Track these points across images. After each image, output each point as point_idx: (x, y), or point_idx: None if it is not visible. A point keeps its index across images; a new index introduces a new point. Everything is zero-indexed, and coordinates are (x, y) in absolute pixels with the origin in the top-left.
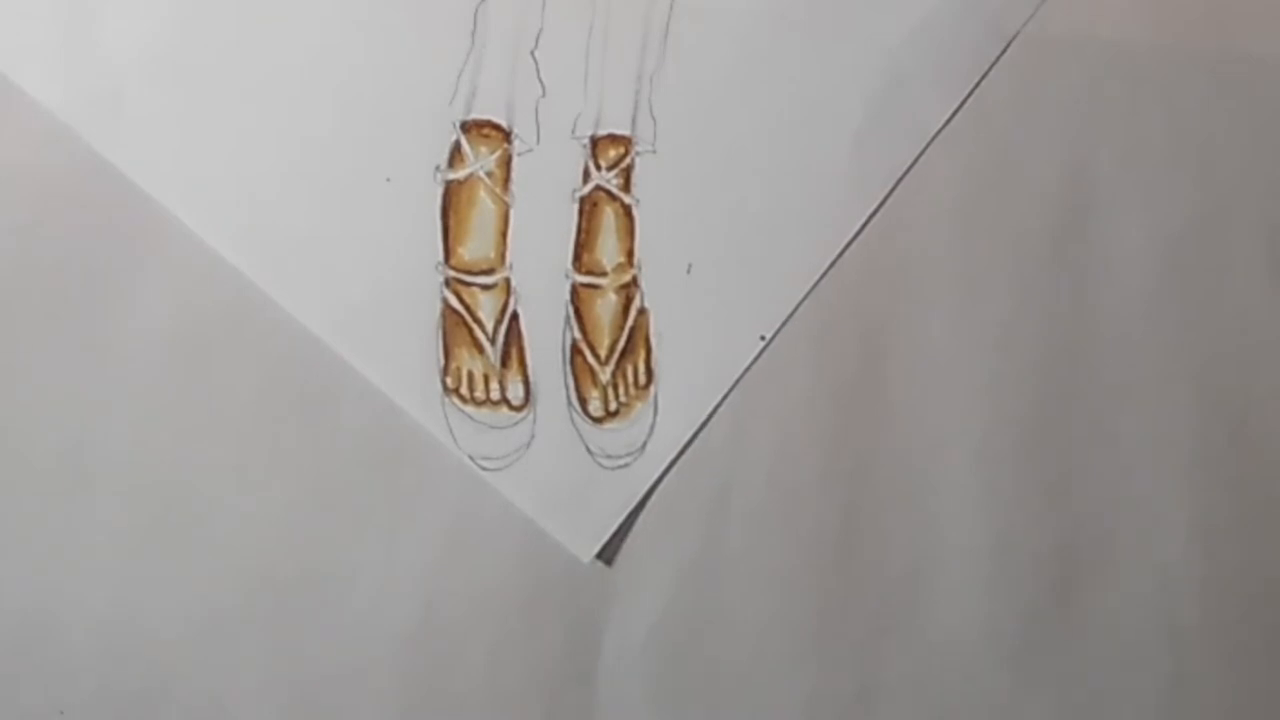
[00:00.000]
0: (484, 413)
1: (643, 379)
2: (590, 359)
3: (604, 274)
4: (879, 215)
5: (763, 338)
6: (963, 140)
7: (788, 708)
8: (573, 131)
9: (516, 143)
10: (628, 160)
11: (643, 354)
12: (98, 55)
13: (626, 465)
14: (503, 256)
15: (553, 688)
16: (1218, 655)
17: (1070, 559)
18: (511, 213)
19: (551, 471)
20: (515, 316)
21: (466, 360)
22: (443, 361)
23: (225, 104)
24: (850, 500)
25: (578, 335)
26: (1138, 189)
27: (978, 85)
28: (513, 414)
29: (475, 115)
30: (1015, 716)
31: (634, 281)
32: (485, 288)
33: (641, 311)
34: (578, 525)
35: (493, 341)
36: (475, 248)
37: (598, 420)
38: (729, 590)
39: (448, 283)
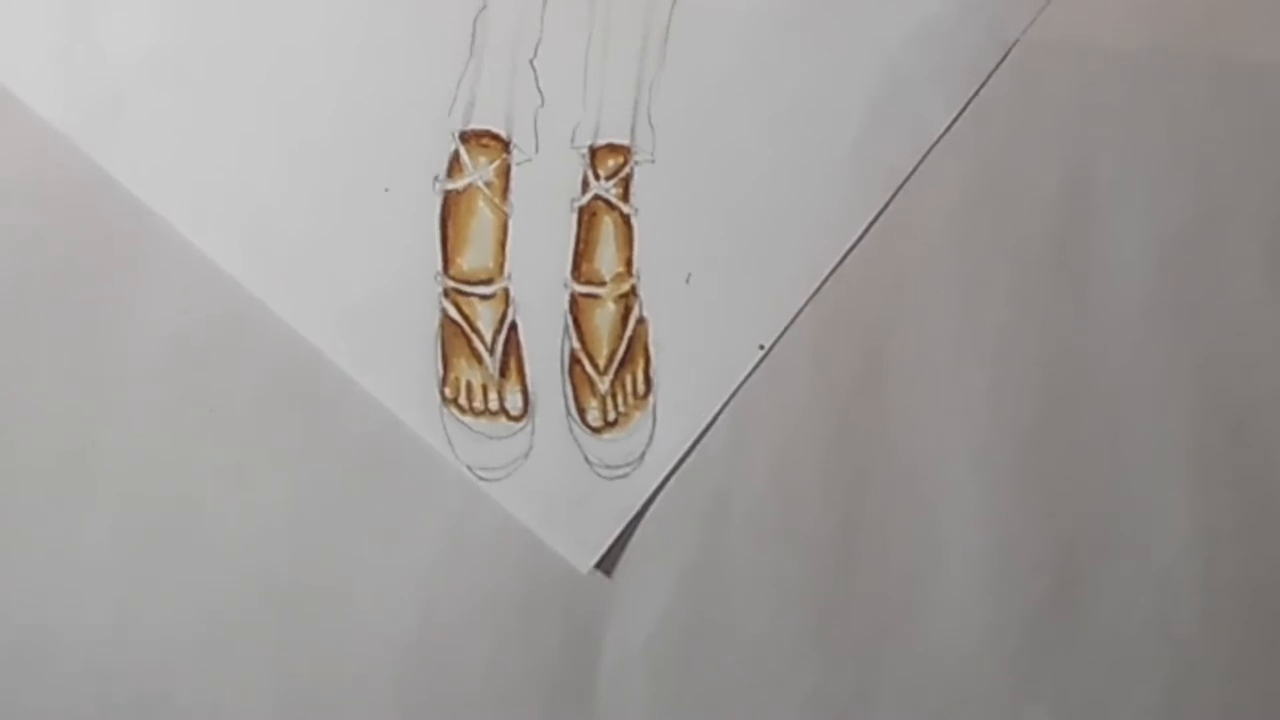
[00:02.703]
0: (482, 423)
1: (641, 389)
2: (589, 369)
3: (603, 284)
4: (879, 221)
5: (761, 347)
6: (963, 145)
7: (787, 717)
8: (571, 141)
9: (515, 152)
10: (626, 170)
11: (641, 364)
12: (96, 65)
13: (625, 475)
14: (501, 266)
15: (551, 698)
16: (1218, 656)
17: (1070, 560)
18: (510, 223)
19: (550, 482)
20: (514, 326)
21: (465, 370)
22: (441, 372)
23: (224, 114)
24: (850, 508)
25: (576, 345)
26: (1138, 193)
27: (979, 90)
28: (511, 424)
29: (474, 125)
30: (1015, 718)
31: (633, 291)
32: (484, 298)
33: (640, 321)
34: (576, 535)
35: (491, 352)
36: (474, 258)
37: (596, 430)
38: (728, 600)
39: (446, 293)
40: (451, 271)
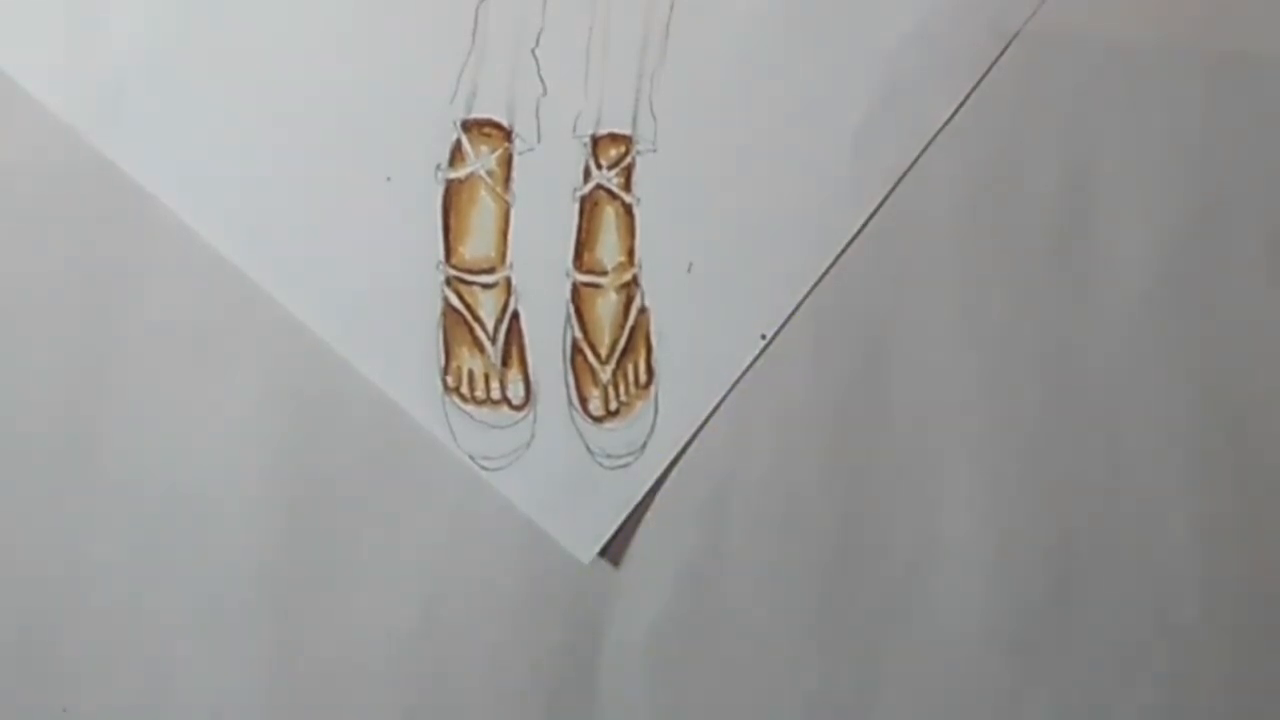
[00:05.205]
0: (484, 412)
1: (643, 378)
2: (591, 358)
3: (604, 273)
4: (880, 212)
5: (763, 337)
6: (963, 140)
7: (788, 707)
8: (573, 130)
9: (517, 141)
10: (628, 159)
11: (643, 353)
12: (99, 54)
13: (627, 465)
14: (503, 255)
15: (553, 688)
16: (1218, 655)
17: (1070, 558)
18: (512, 212)
19: (551, 471)
20: (516, 315)
21: (467, 359)
22: (443, 360)
23: (226, 103)
24: (850, 499)
25: (578, 334)
26: (1138, 189)
27: (978, 85)
28: (513, 413)
29: (476, 114)
30: (1015, 715)
31: (634, 280)
32: (486, 286)
33: (642, 310)
34: (578, 525)
35: (493, 340)
36: (476, 247)
37: (598, 419)
38: (729, 589)
39: (448, 281)
40: (453, 260)
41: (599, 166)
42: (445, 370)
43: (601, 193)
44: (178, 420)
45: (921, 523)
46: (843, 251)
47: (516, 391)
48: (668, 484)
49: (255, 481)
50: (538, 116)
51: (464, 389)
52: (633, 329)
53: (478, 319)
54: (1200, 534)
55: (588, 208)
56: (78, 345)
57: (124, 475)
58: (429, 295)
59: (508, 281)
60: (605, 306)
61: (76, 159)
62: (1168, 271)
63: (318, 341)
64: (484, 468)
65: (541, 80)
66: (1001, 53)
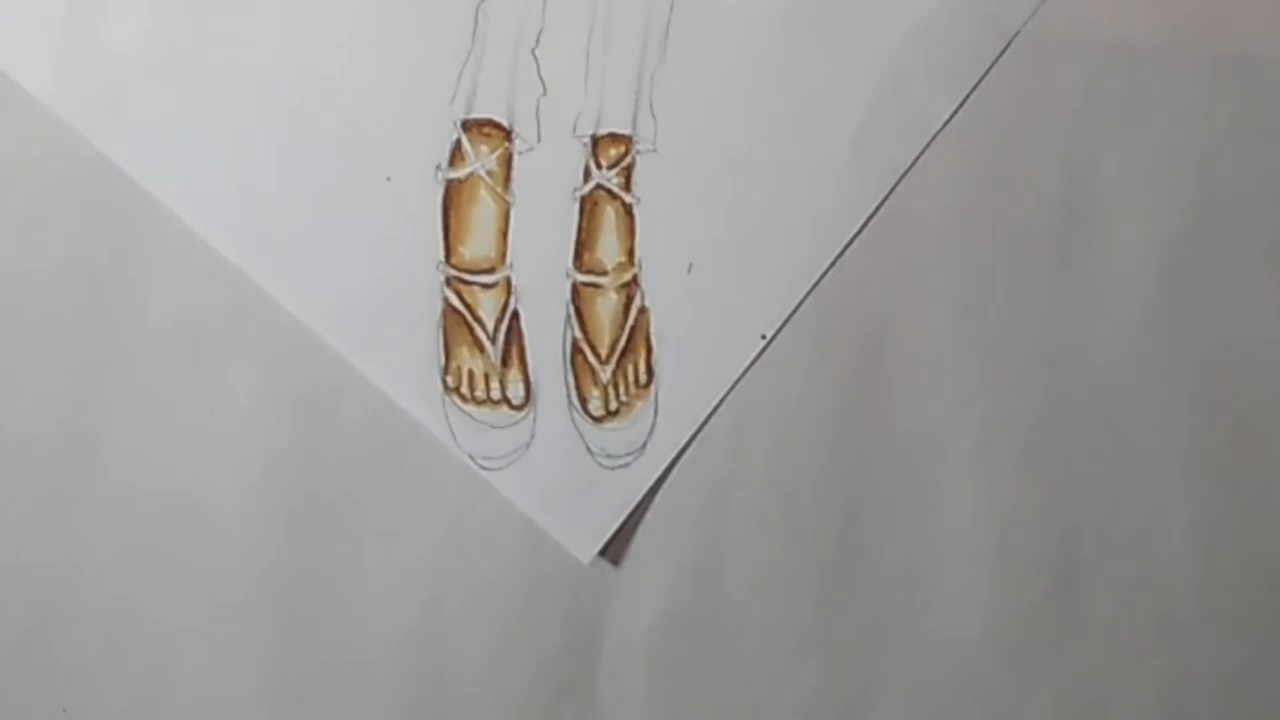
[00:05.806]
0: (484, 412)
1: (643, 378)
2: (591, 358)
3: (605, 273)
4: (881, 212)
5: (763, 337)
6: (963, 139)
7: (788, 707)
8: (573, 130)
9: (517, 141)
10: (628, 159)
11: (643, 353)
12: (99, 54)
13: (627, 465)
14: (503, 255)
15: (553, 688)
16: (1217, 655)
17: (1070, 559)
18: (512, 211)
19: (552, 471)
20: (516, 315)
21: (467, 359)
22: (443, 360)
23: (226, 103)
24: (850, 499)
25: (578, 334)
26: (1138, 186)
27: (978, 84)
28: (513, 413)
29: (476, 114)
30: (1015, 716)
31: (634, 280)
32: (486, 286)
33: (642, 310)
34: (577, 525)
35: (493, 340)
36: (476, 246)
37: (598, 420)
38: (729, 590)
39: (448, 281)
40: (453, 260)
41: (599, 166)
42: (445, 370)
43: (601, 193)
44: (178, 421)
45: (921, 523)
46: (843, 251)
47: (516, 391)
48: (668, 484)
49: (255, 482)
50: (538, 116)
51: (464, 389)
52: (633, 329)
53: (478, 319)
54: (1200, 534)
55: (588, 208)
56: (78, 345)
57: (124, 475)
58: (429, 295)
59: (508, 281)
60: (605, 306)
61: (76, 159)
62: (1168, 271)
63: (318, 341)
64: (484, 468)
65: (541, 80)
66: (1001, 53)
